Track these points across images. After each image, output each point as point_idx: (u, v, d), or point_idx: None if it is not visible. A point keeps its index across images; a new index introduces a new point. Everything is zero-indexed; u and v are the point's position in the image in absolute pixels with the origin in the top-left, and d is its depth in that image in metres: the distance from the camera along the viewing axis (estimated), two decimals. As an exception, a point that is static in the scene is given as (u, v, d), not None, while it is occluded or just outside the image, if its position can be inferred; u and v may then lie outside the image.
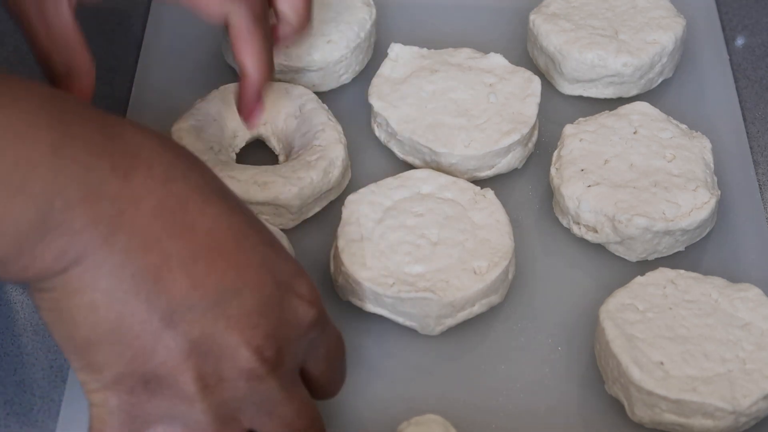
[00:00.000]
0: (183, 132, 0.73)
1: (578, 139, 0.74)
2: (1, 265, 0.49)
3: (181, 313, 0.51)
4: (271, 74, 0.71)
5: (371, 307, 0.68)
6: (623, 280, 0.68)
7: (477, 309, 0.68)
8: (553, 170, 0.74)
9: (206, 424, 0.53)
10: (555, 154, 0.75)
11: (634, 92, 0.81)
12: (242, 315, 0.52)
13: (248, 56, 0.69)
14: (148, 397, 0.52)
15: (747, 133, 0.81)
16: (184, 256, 0.51)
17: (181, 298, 0.51)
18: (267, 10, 0.71)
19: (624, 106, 0.76)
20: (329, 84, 0.81)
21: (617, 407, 0.65)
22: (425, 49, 0.79)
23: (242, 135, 0.77)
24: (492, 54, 0.79)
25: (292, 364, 0.55)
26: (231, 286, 0.52)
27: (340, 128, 0.75)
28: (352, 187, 0.73)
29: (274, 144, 0.77)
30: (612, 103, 0.80)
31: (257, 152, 0.77)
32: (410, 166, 0.76)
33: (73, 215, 0.49)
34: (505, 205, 0.71)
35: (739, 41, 0.88)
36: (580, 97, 0.81)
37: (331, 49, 0.79)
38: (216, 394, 0.53)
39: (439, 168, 0.74)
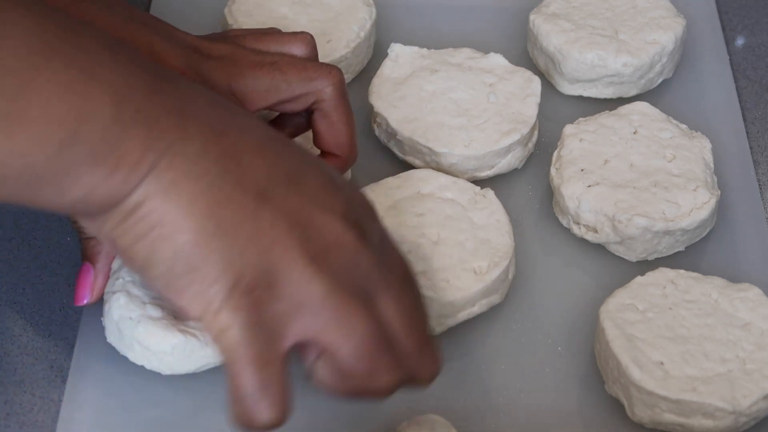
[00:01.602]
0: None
1: (578, 139, 0.74)
2: (95, 167, 0.49)
3: (270, 189, 0.52)
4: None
5: (371, 307, 0.68)
6: (623, 280, 0.68)
7: (477, 309, 0.68)
8: (553, 170, 0.74)
9: (331, 298, 0.53)
10: (555, 154, 0.74)
11: (634, 92, 0.81)
12: (320, 187, 0.54)
13: (343, 135, 0.68)
14: (269, 294, 0.52)
15: (747, 133, 0.81)
16: (251, 144, 0.53)
17: (264, 176, 0.53)
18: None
19: (624, 106, 0.76)
20: (329, 84, 0.81)
21: (617, 407, 0.65)
22: (425, 49, 0.79)
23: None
24: (492, 54, 0.79)
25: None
26: (299, 168, 0.54)
27: (340, 128, 0.75)
28: (352, 187, 0.73)
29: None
30: (612, 103, 0.80)
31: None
32: (410, 166, 0.75)
33: (147, 105, 0.50)
34: (505, 205, 0.71)
35: (739, 41, 0.88)
36: (580, 97, 0.81)
37: (331, 49, 0.79)
38: (328, 265, 0.53)
39: (439, 168, 0.74)
